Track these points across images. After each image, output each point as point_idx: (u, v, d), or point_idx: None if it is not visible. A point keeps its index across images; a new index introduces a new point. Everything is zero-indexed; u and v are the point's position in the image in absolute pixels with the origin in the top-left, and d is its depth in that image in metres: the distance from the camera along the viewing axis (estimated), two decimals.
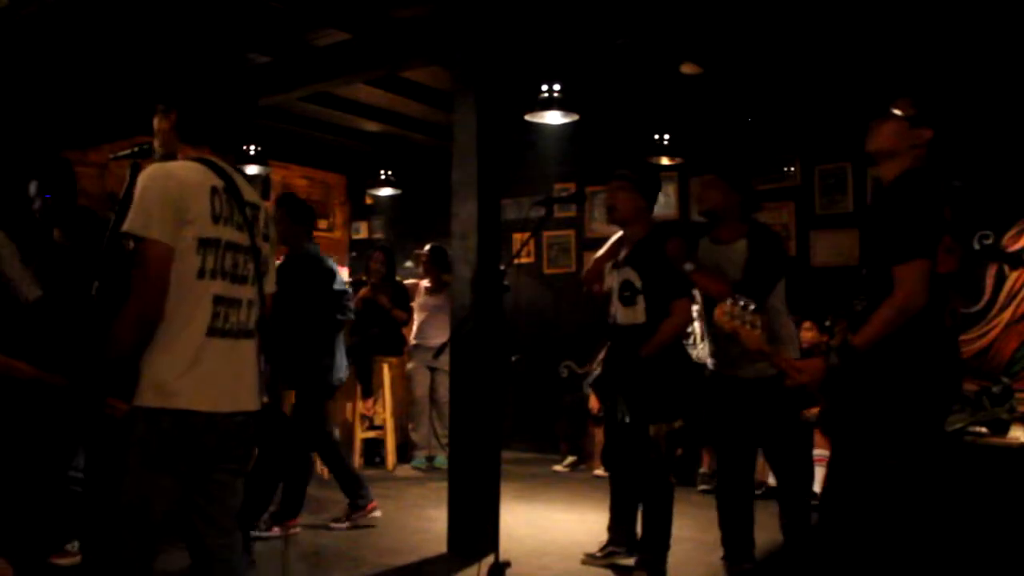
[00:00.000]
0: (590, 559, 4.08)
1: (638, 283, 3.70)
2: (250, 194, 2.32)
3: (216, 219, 2.16)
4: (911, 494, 2.51)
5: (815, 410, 5.57)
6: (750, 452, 3.72)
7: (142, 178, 2.13)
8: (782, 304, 3.66)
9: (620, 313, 3.79)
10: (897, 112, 2.61)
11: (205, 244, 2.13)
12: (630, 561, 3.88)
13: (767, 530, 3.89)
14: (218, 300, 2.17)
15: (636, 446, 3.70)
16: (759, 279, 3.50)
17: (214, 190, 2.17)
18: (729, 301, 2.64)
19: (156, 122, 2.36)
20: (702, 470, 5.97)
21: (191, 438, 2.11)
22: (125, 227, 2.09)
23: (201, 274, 2.13)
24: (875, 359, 2.47)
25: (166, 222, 2.08)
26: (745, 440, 3.67)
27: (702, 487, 5.75)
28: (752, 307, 2.61)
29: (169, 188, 2.10)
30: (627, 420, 3.65)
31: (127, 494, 2.10)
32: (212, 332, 2.15)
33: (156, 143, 2.37)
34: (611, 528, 4.08)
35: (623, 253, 3.88)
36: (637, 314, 3.71)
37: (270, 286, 2.38)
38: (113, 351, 2.10)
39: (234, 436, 2.21)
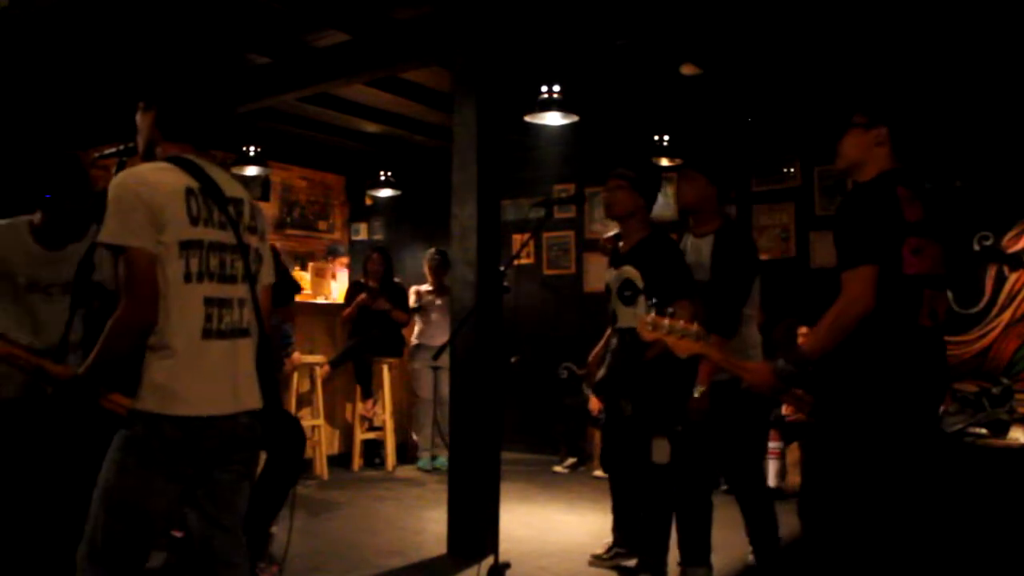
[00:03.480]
0: (596, 560, 4.08)
1: (640, 283, 3.69)
2: (232, 190, 2.27)
3: (194, 221, 2.12)
4: (886, 492, 2.51)
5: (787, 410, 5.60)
6: (703, 448, 3.56)
7: (113, 185, 2.09)
8: (755, 309, 3.60)
9: (620, 312, 3.78)
10: (852, 123, 2.69)
11: (187, 247, 2.10)
12: (633, 562, 3.88)
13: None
14: (209, 302, 2.14)
15: (638, 447, 3.69)
16: (729, 288, 3.45)
17: (189, 191, 2.13)
18: (653, 311, 2.66)
19: (138, 119, 2.31)
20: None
21: (193, 442, 2.10)
22: (102, 237, 2.06)
23: (188, 278, 2.10)
24: (839, 361, 2.51)
25: (143, 227, 2.04)
26: (708, 441, 3.53)
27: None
28: (670, 311, 2.62)
29: (140, 193, 2.06)
30: (630, 416, 3.64)
31: (124, 495, 2.08)
32: (208, 334, 2.14)
33: (139, 141, 2.35)
34: (615, 530, 4.08)
35: (622, 247, 3.88)
36: (638, 313, 3.69)
37: (266, 279, 2.36)
38: (107, 356, 2.09)
39: (239, 437, 2.20)
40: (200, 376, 2.11)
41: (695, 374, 3.44)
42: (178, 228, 2.09)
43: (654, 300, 2.91)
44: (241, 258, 2.23)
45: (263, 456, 3.41)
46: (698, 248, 3.61)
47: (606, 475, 4.29)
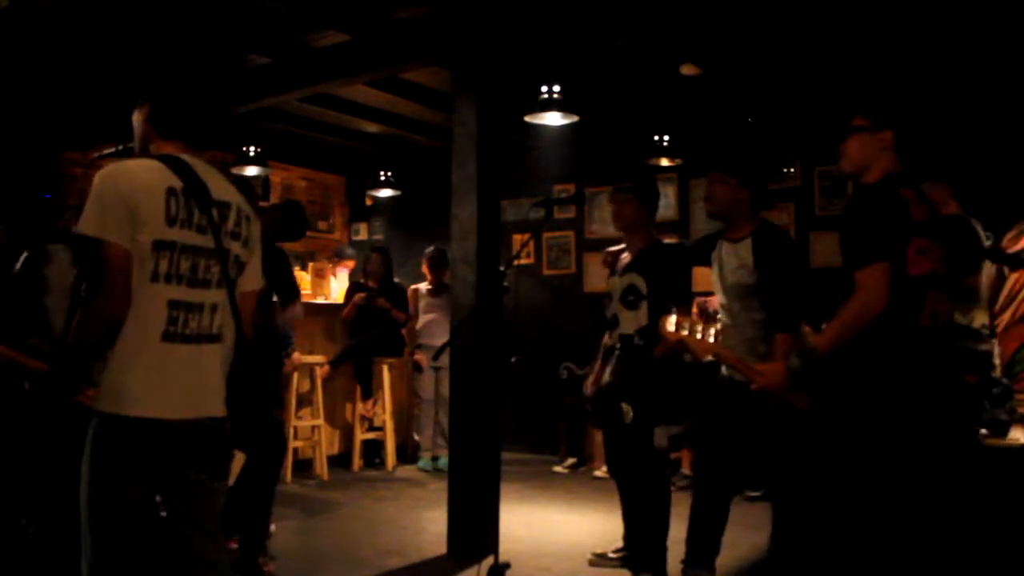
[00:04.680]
0: (597, 559, 4.07)
1: (644, 289, 3.80)
2: (221, 192, 2.23)
3: (171, 222, 2.09)
4: (883, 491, 2.51)
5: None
6: (727, 453, 3.53)
7: (96, 178, 2.08)
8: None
9: (622, 316, 3.87)
10: (855, 126, 2.68)
11: (159, 247, 2.07)
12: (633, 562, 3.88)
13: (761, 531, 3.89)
14: (174, 305, 2.10)
15: (639, 449, 3.73)
16: (785, 284, 3.36)
17: (171, 191, 2.10)
18: (675, 312, 2.67)
19: (135, 117, 2.30)
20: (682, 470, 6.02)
21: (150, 445, 2.07)
22: (80, 228, 2.04)
23: (154, 278, 2.07)
24: (842, 361, 2.50)
25: (120, 223, 2.03)
26: (721, 439, 3.50)
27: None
28: (695, 314, 2.63)
29: (121, 188, 2.05)
30: (630, 422, 3.66)
31: (97, 495, 2.07)
32: (169, 337, 2.10)
33: (136, 139, 2.34)
34: (626, 537, 4.02)
35: (625, 259, 3.99)
36: (640, 318, 3.80)
37: (248, 285, 2.33)
38: (77, 350, 2.10)
39: (202, 441, 2.16)
40: (158, 379, 2.09)
41: (689, 378, 3.48)
42: (154, 227, 2.07)
43: (680, 308, 2.89)
44: (219, 263, 2.20)
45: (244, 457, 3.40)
46: (736, 252, 3.48)
47: (607, 476, 4.30)
